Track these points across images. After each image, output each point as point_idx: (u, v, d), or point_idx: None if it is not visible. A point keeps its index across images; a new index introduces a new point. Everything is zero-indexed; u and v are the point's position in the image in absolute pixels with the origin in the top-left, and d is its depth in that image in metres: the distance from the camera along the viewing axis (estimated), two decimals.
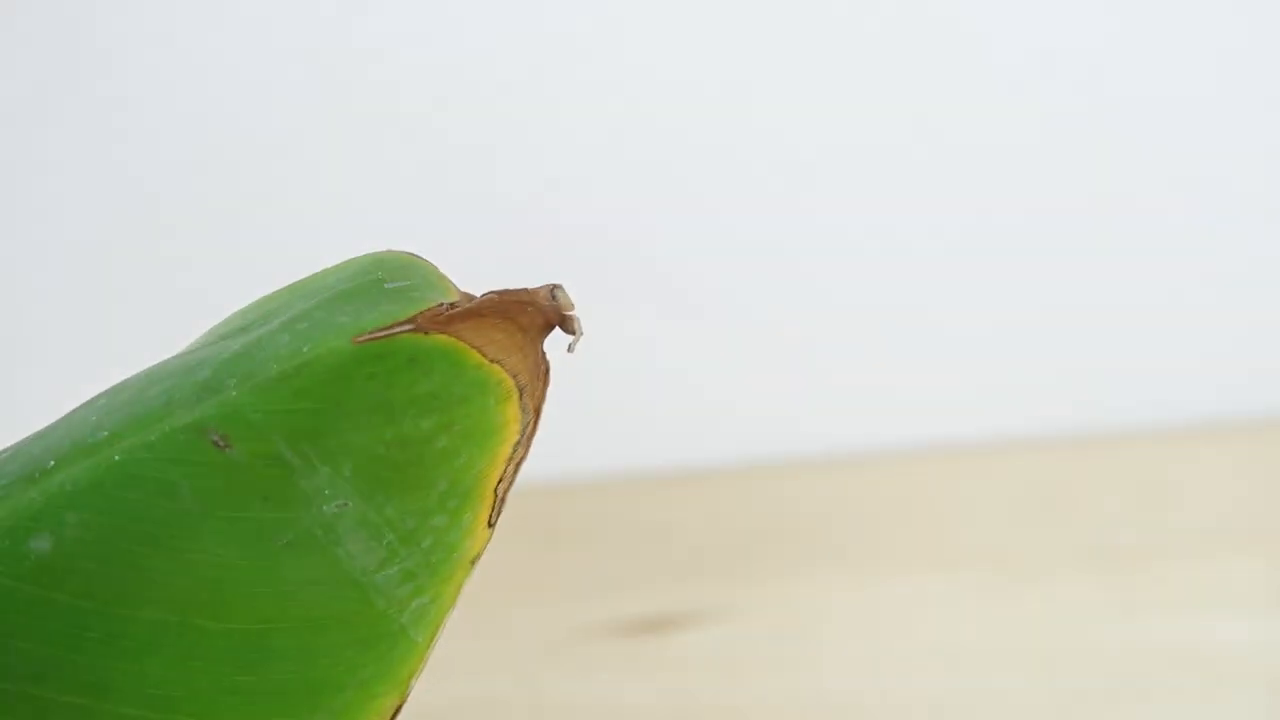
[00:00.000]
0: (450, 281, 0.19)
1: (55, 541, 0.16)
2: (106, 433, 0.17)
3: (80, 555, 0.16)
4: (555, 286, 0.19)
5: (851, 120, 0.52)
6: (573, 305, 0.19)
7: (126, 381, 0.18)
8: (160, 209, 0.52)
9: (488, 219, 0.52)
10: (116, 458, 0.16)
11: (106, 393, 0.17)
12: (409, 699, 0.18)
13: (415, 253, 0.20)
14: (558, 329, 0.19)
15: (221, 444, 0.17)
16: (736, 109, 0.52)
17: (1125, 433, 0.54)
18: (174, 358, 0.18)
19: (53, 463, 0.16)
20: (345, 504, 0.17)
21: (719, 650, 0.46)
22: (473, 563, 0.18)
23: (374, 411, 0.17)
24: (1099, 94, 0.52)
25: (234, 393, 0.17)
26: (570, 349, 0.19)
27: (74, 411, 0.17)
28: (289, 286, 0.19)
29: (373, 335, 0.17)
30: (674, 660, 0.46)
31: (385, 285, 0.18)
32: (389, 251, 0.19)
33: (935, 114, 0.52)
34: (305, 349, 0.17)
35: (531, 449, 0.19)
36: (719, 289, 0.54)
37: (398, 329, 0.17)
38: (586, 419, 0.54)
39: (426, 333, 0.18)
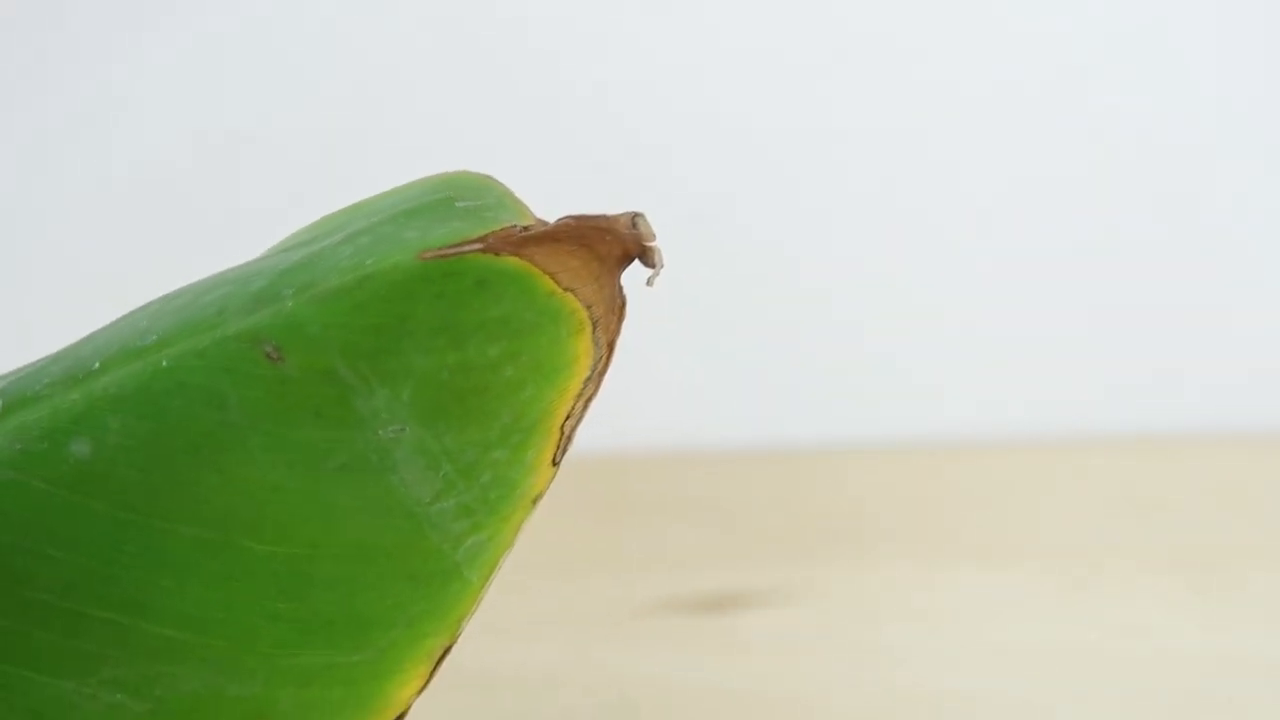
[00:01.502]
0: (525, 206, 0.18)
1: (96, 447, 0.15)
2: (155, 337, 0.16)
3: (121, 463, 0.15)
4: (636, 214, 0.17)
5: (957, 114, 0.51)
6: (654, 235, 0.17)
7: (180, 289, 0.17)
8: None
9: (568, 158, 0.51)
10: (164, 363, 0.16)
11: (159, 299, 0.17)
12: (459, 643, 0.18)
13: (489, 174, 0.19)
14: (637, 262, 0.18)
15: (274, 356, 0.16)
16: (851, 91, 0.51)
17: (1216, 435, 0.52)
18: (231, 269, 0.17)
19: (98, 365, 0.15)
20: (402, 429, 0.16)
21: (781, 633, 0.45)
22: (534, 502, 0.17)
23: (438, 334, 0.16)
24: (1169, 93, 0.50)
25: (290, 303, 0.16)
26: (649, 283, 0.18)
27: (124, 316, 0.17)
28: (353, 205, 0.18)
29: (440, 252, 0.16)
30: (735, 641, 0.44)
31: (456, 204, 0.17)
32: (462, 171, 0.18)
33: (1016, 113, 0.51)
34: (368, 262, 0.16)
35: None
36: (805, 268, 0.53)
37: (467, 247, 0.16)
38: (663, 390, 0.53)
39: (498, 254, 0.16)
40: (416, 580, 0.17)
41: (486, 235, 0.16)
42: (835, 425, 0.53)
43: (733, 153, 0.52)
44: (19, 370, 0.16)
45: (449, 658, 0.18)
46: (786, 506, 0.51)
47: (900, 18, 0.51)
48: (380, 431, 0.16)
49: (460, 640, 0.19)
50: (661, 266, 0.18)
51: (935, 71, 0.51)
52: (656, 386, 0.54)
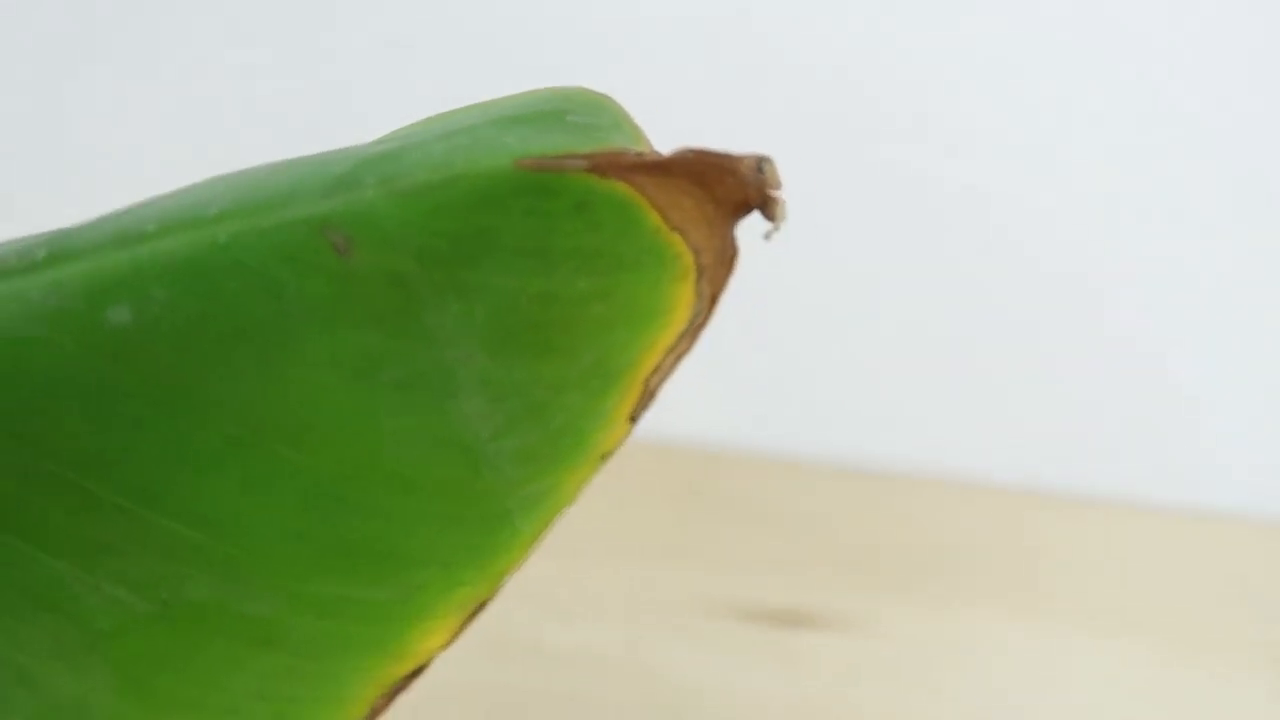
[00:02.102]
0: (643, 133, 0.16)
1: (136, 316, 0.14)
2: (217, 210, 0.14)
3: (160, 339, 0.14)
4: (764, 158, 0.16)
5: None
6: (780, 184, 0.16)
7: (256, 166, 0.15)
8: None
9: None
10: (222, 239, 0.14)
11: (231, 174, 0.15)
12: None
13: (610, 96, 0.17)
14: (757, 212, 0.16)
15: (342, 247, 0.14)
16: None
17: None
18: (317, 153, 0.16)
19: (152, 228, 0.14)
20: (471, 353, 0.15)
21: (841, 660, 0.43)
22: (603, 458, 0.16)
23: (525, 254, 0.15)
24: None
25: (369, 192, 0.14)
26: (767, 237, 0.16)
27: (191, 186, 0.15)
28: (462, 107, 0.17)
29: (540, 163, 0.15)
30: (793, 660, 0.43)
31: (567, 117, 0.15)
32: (579, 87, 0.17)
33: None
34: (460, 162, 0.14)
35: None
36: (932, 287, 0.51)
37: (570, 162, 0.15)
38: (764, 391, 0.52)
39: (603, 175, 0.15)
40: (461, 522, 0.15)
41: (594, 153, 0.15)
42: (939, 457, 0.51)
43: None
44: (75, 225, 0.15)
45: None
46: (873, 532, 0.49)
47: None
48: (446, 351, 0.15)
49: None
50: (783, 221, 0.16)
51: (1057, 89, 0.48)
52: (758, 386, 0.52)
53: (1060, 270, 0.50)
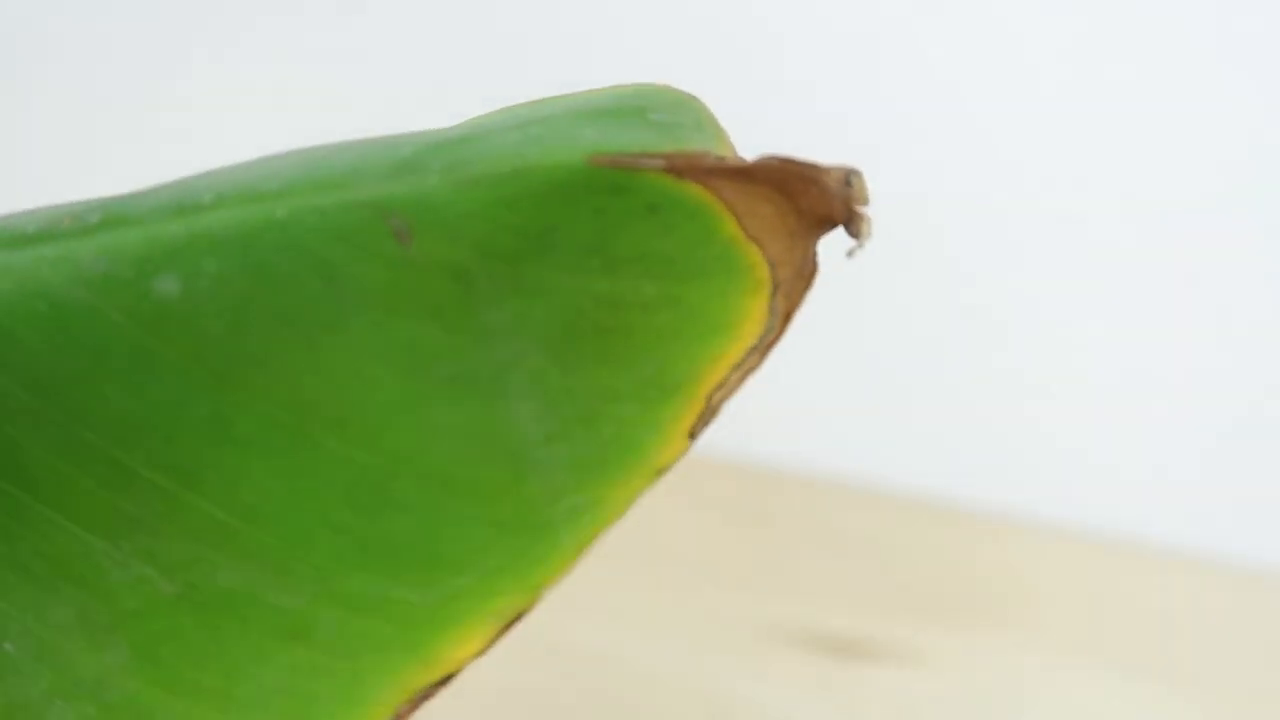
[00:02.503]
0: (727, 137, 0.16)
1: (184, 289, 0.14)
2: (278, 185, 0.14)
3: (208, 314, 0.14)
4: (852, 171, 0.15)
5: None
6: (868, 199, 0.15)
7: (324, 144, 0.15)
8: None
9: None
10: (279, 215, 0.14)
11: (298, 149, 0.15)
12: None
13: (695, 95, 0.16)
14: (841, 228, 0.16)
15: (403, 235, 0.14)
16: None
17: None
18: (388, 135, 0.15)
19: (209, 199, 0.14)
20: (527, 353, 0.14)
21: (897, 695, 0.42)
22: (658, 473, 0.15)
23: (591, 254, 0.14)
24: None
25: (434, 179, 0.14)
26: (850, 254, 0.15)
27: (256, 160, 0.15)
28: (541, 99, 0.16)
29: (615, 160, 0.14)
30: (848, 691, 0.42)
31: (649, 115, 0.15)
32: (664, 85, 0.16)
33: None
34: (531, 153, 0.14)
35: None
36: (1019, 329, 0.50)
37: (646, 161, 0.14)
38: (858, 418, 0.51)
39: (680, 177, 0.14)
40: (503, 528, 0.14)
41: (672, 154, 0.14)
42: (1014, 495, 0.49)
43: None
44: (133, 192, 0.15)
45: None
46: (942, 566, 0.48)
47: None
48: (500, 349, 0.14)
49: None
50: (868, 238, 0.15)
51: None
52: (843, 411, 0.51)
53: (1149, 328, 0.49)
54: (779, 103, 0.48)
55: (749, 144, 0.17)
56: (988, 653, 0.43)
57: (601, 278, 0.14)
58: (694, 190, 0.14)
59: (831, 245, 0.16)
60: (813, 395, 0.51)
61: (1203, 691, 0.42)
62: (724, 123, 0.16)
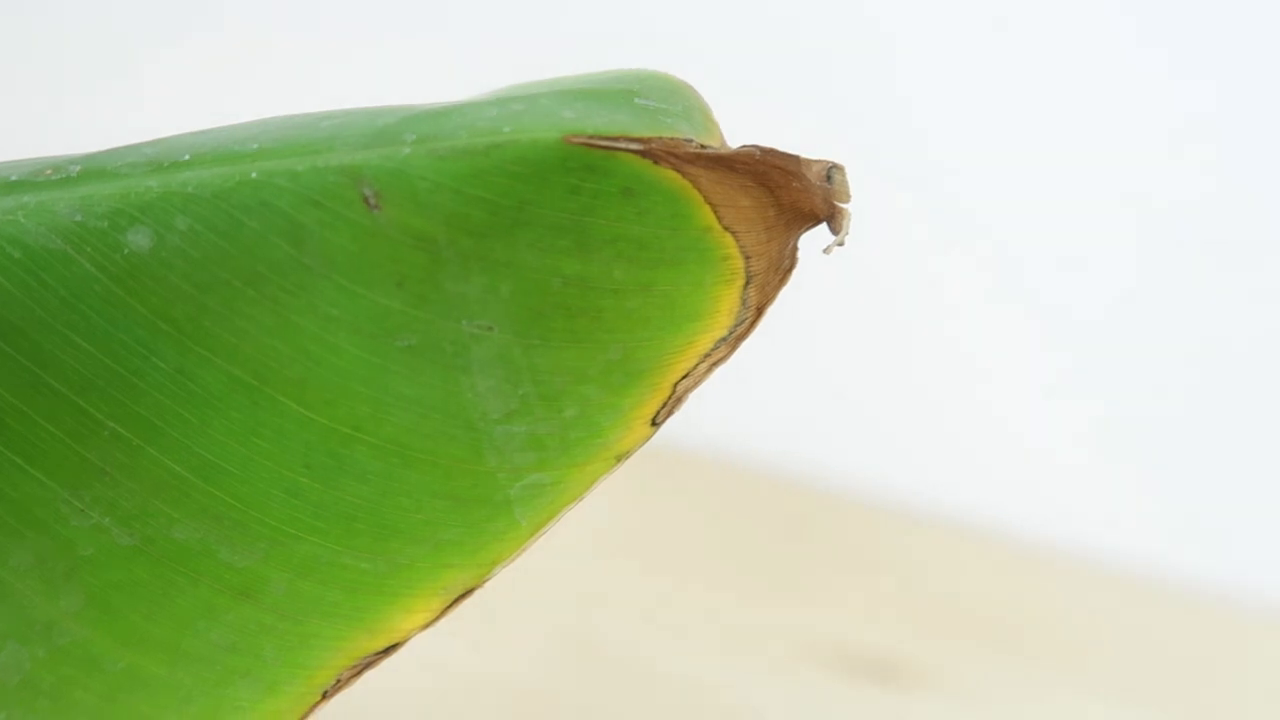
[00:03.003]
0: (718, 128, 0.16)
1: (156, 243, 0.14)
2: (256, 146, 0.14)
3: (177, 269, 0.14)
4: (834, 166, 0.15)
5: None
6: (849, 196, 0.15)
7: (308, 113, 0.15)
8: None
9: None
10: (253, 175, 0.14)
11: (283, 116, 0.15)
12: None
13: (691, 85, 0.16)
14: (823, 224, 0.15)
15: (372, 202, 0.14)
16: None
17: None
18: (373, 106, 0.15)
19: (188, 156, 0.14)
20: (490, 328, 0.14)
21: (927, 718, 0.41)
22: (618, 458, 0.15)
23: (562, 233, 0.14)
24: None
25: (408, 149, 0.14)
26: (827, 251, 0.15)
27: (241, 123, 0.15)
28: (534, 80, 0.16)
29: (590, 140, 0.14)
30: (875, 713, 0.41)
31: (635, 99, 0.15)
32: (660, 72, 0.16)
33: None
34: (506, 129, 0.14)
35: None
36: (1094, 381, 0.49)
37: (623, 144, 0.14)
38: (899, 438, 0.50)
39: (656, 161, 0.14)
40: (459, 502, 0.14)
41: (650, 138, 0.14)
42: (1056, 528, 0.49)
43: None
44: (115, 148, 0.15)
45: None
46: (977, 591, 0.47)
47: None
48: (465, 323, 0.14)
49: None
50: (846, 236, 0.15)
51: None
52: (884, 433, 0.50)
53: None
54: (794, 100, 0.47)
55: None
56: (1014, 680, 0.42)
57: (572, 258, 0.14)
58: (670, 176, 0.14)
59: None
60: (860, 414, 0.51)
61: None
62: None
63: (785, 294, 0.15)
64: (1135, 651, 0.44)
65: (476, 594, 0.15)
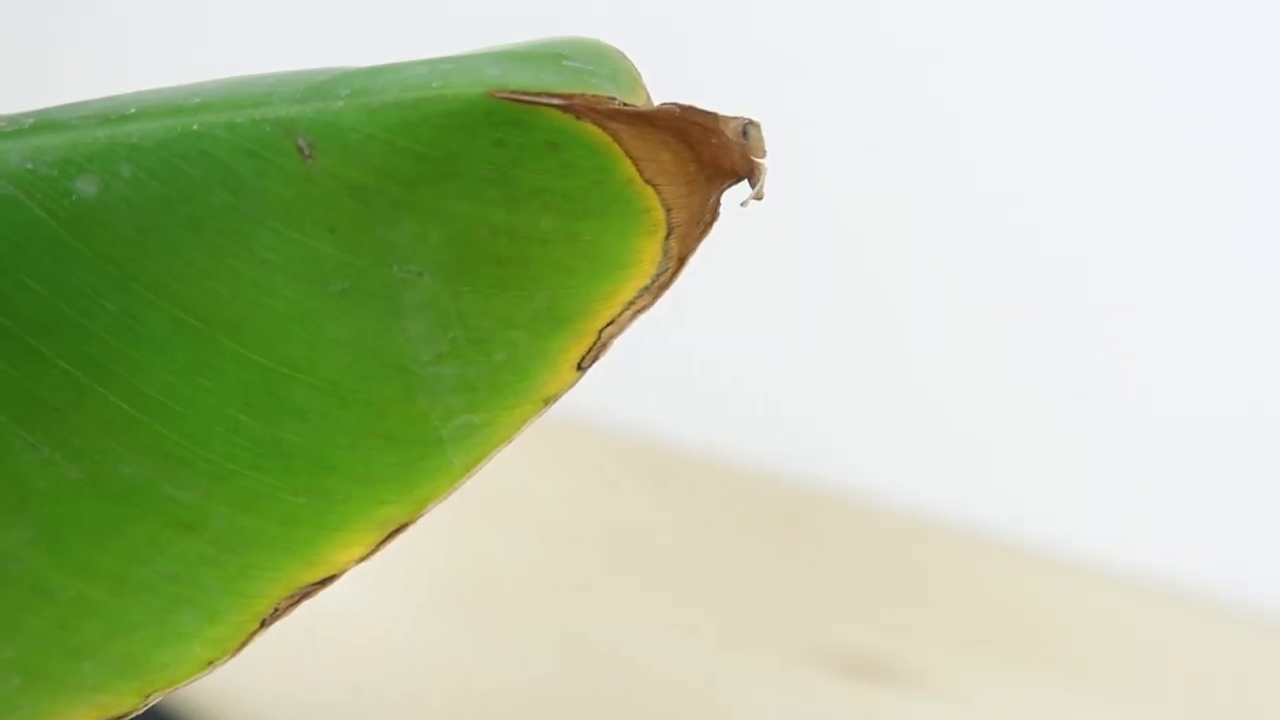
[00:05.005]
0: (645, 91, 0.16)
1: (101, 190, 0.14)
2: (199, 100, 0.15)
3: (121, 215, 0.14)
4: (750, 122, 0.15)
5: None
6: (764, 152, 0.15)
7: (256, 74, 0.16)
8: None
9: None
10: (194, 127, 0.14)
11: (229, 77, 0.16)
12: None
13: (621, 50, 0.17)
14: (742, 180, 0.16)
15: (306, 153, 0.15)
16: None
17: None
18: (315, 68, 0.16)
19: (134, 110, 0.15)
20: (420, 274, 0.15)
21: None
22: (546, 402, 0.16)
23: (489, 185, 0.15)
24: None
25: (340, 104, 0.14)
26: (744, 205, 0.16)
27: (192, 84, 0.16)
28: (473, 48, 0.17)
29: (514, 95, 0.15)
30: (868, 713, 0.41)
31: (563, 61, 0.15)
32: (591, 38, 0.17)
33: None
34: (434, 85, 0.14)
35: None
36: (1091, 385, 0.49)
37: (545, 99, 0.15)
38: (898, 441, 0.50)
39: (578, 116, 0.15)
40: (392, 441, 0.15)
41: (572, 94, 0.15)
42: (1054, 529, 0.49)
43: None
44: (68, 104, 0.16)
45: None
46: (974, 594, 0.47)
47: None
48: (395, 268, 0.15)
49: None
50: (762, 190, 0.16)
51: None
52: (884, 436, 0.51)
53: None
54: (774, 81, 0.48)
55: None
56: (1010, 683, 0.42)
57: (499, 208, 0.15)
58: (591, 131, 0.15)
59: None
60: (859, 416, 0.51)
61: None
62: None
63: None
64: (1133, 653, 0.45)
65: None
